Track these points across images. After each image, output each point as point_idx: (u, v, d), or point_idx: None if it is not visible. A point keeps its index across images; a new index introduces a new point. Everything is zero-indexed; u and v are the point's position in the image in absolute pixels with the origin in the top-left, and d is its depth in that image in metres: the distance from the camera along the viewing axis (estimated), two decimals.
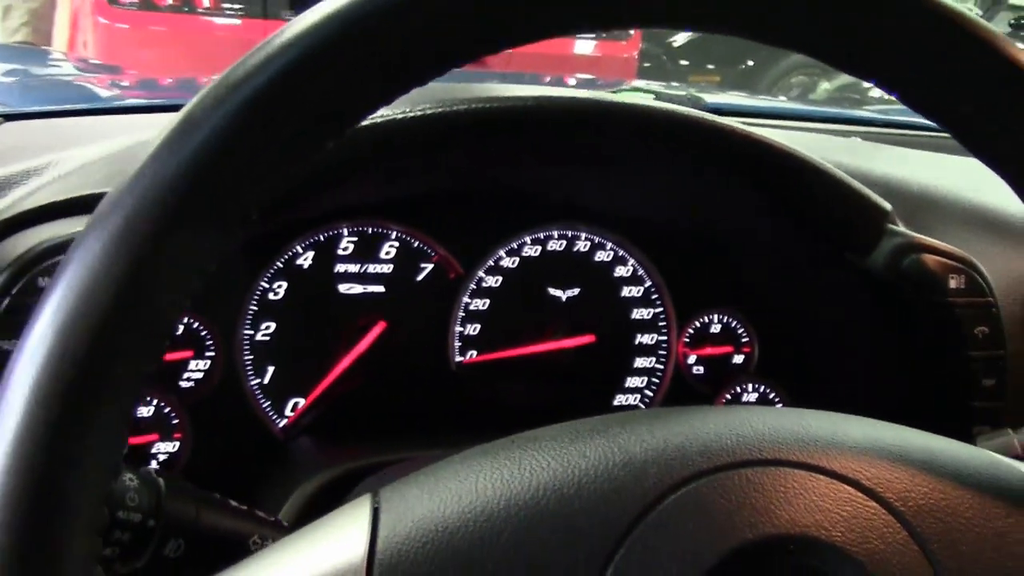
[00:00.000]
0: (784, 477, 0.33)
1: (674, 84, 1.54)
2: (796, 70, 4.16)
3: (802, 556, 0.32)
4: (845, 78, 2.67)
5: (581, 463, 0.32)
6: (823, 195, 0.59)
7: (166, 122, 0.28)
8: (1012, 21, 5.02)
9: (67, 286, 0.27)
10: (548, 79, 1.34)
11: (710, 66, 4.15)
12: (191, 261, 0.28)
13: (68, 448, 0.26)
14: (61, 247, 0.49)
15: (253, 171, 0.28)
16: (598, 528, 0.30)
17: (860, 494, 0.33)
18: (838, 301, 0.64)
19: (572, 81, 1.77)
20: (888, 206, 0.58)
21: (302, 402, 0.67)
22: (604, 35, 2.93)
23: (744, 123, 0.59)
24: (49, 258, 0.49)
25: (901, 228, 0.58)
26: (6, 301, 0.48)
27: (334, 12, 0.28)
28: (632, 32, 3.11)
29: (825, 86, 4.06)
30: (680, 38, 4.26)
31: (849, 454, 0.34)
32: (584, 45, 3.05)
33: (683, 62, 4.20)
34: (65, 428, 0.26)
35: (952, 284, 0.57)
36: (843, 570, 0.32)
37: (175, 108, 0.29)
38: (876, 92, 1.88)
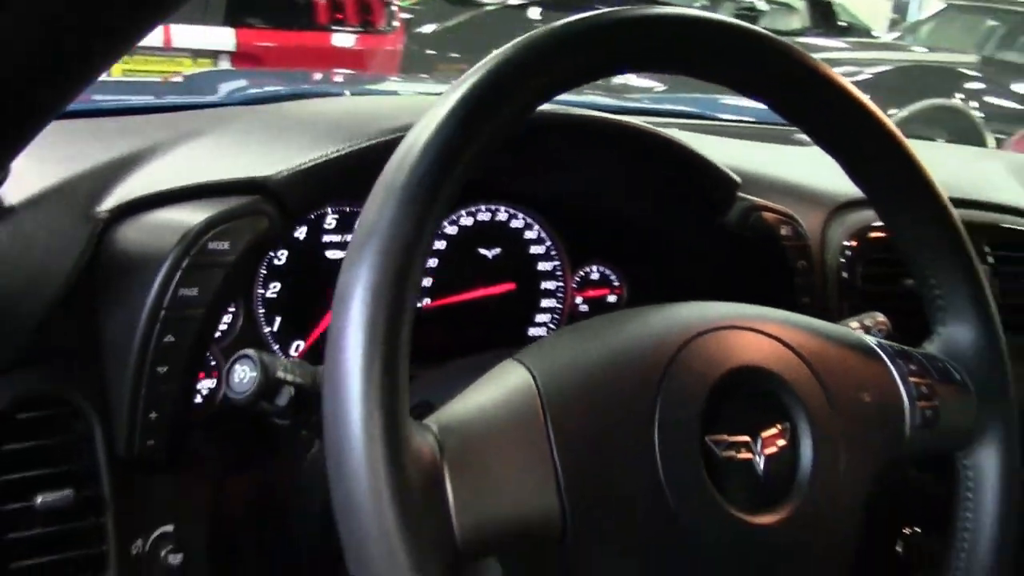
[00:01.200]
0: (741, 335, 0.58)
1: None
2: None
3: (757, 380, 0.57)
4: None
5: (634, 334, 0.56)
6: (688, 169, 0.85)
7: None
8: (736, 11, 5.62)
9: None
10: None
11: (454, 55, 4.43)
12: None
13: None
14: (225, 217, 0.65)
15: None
16: (651, 365, 0.54)
17: (780, 344, 0.59)
18: (700, 249, 0.91)
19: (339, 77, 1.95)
20: (738, 179, 0.85)
21: (303, 344, 0.84)
22: (367, 28, 3.08)
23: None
24: (217, 226, 0.65)
25: (748, 196, 0.85)
26: (186, 261, 0.63)
27: None
28: (397, 24, 3.28)
29: None
30: (428, 27, 4.49)
31: (768, 320, 0.60)
32: (346, 39, 3.16)
33: (429, 51, 4.46)
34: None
35: (782, 232, 0.86)
36: (779, 389, 0.58)
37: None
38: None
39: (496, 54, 0.50)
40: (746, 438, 0.55)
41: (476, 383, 0.52)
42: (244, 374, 0.54)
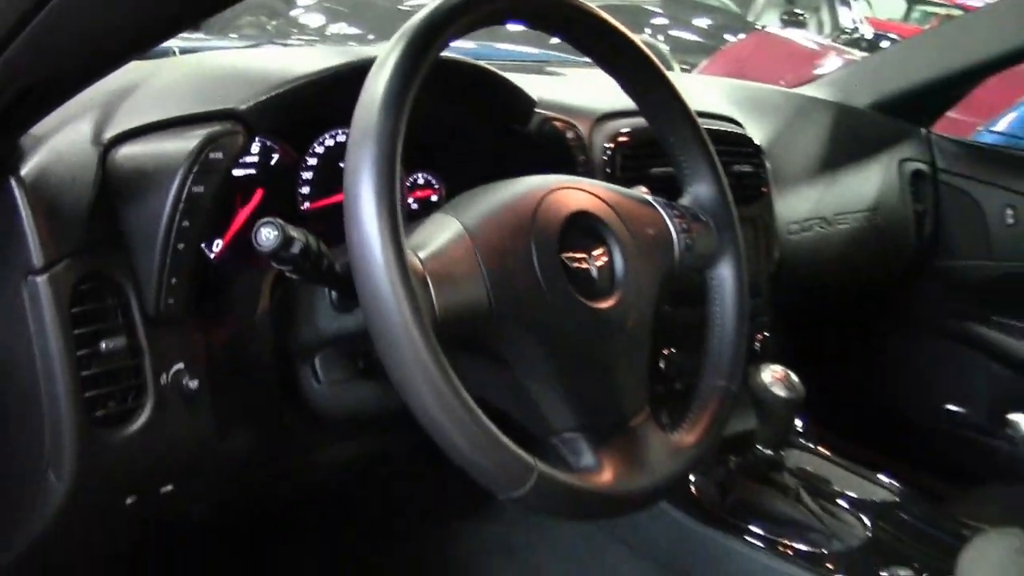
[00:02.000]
0: (576, 192, 0.93)
1: None
2: None
3: (588, 219, 0.93)
4: None
5: (516, 191, 0.90)
6: (498, 91, 1.18)
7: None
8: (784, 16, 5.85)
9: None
10: None
11: None
12: None
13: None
14: (218, 135, 0.92)
15: None
16: (527, 209, 0.88)
17: (598, 199, 0.94)
18: (508, 153, 1.25)
19: None
20: (535, 97, 1.20)
21: (222, 243, 1.09)
22: None
23: None
24: (215, 142, 0.91)
25: (542, 111, 1.21)
26: (196, 167, 0.90)
27: None
28: None
29: None
30: None
31: (590, 184, 0.96)
32: None
33: None
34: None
35: (568, 136, 1.23)
36: (600, 225, 0.93)
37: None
38: None
39: (429, 8, 0.81)
40: (584, 254, 0.91)
41: (418, 229, 0.84)
42: (269, 233, 0.79)
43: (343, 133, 1.16)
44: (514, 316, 0.84)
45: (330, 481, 1.22)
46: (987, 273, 1.94)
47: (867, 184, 1.86)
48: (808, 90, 2.00)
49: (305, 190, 1.16)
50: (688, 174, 1.05)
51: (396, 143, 0.75)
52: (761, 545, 1.18)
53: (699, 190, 1.05)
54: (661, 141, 1.05)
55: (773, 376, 1.21)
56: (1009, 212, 1.90)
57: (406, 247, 0.74)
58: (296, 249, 0.79)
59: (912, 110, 1.97)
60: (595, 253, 0.92)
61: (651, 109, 1.03)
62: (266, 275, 0.99)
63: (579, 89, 1.37)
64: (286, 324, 0.97)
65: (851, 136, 1.88)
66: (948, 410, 2.02)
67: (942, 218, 1.97)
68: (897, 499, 1.32)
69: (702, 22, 5.83)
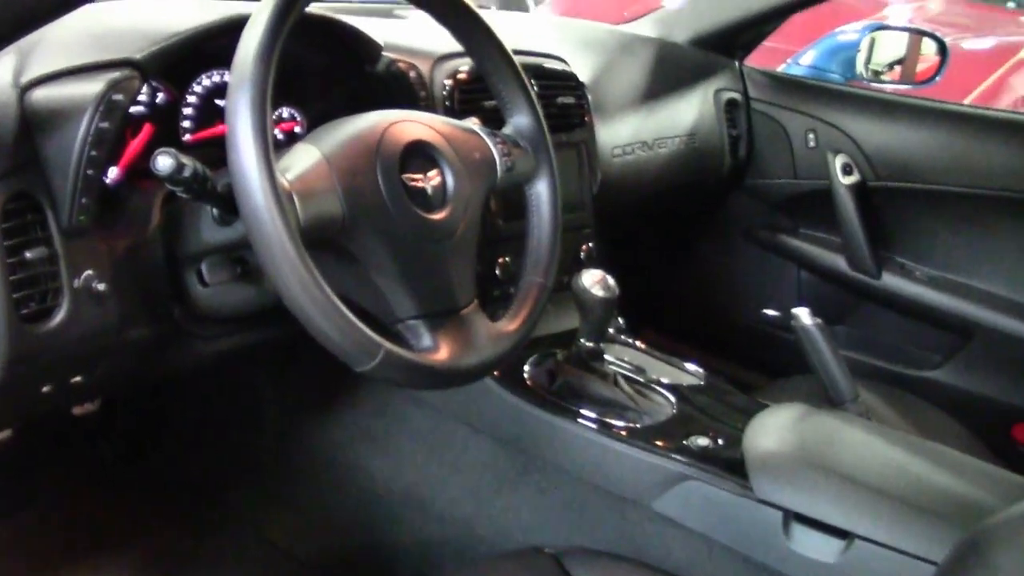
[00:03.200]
0: (414, 124, 1.09)
1: None
2: None
3: (423, 147, 1.09)
4: None
5: (366, 122, 1.06)
6: (349, 38, 1.33)
7: None
8: None
9: None
10: None
11: None
12: None
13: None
14: (120, 79, 1.04)
15: None
16: (372, 137, 1.03)
17: (432, 129, 1.11)
18: (359, 90, 1.40)
19: None
20: (382, 41, 1.35)
21: (117, 170, 1.21)
22: None
23: None
24: (117, 85, 1.03)
25: (388, 54, 1.36)
26: (102, 106, 1.02)
27: None
28: None
29: None
30: None
31: (426, 117, 1.13)
32: None
33: None
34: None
35: (411, 75, 1.38)
36: (434, 151, 1.10)
37: None
38: None
39: None
40: (421, 175, 1.07)
41: (286, 156, 0.99)
42: (165, 160, 0.92)
43: (217, 74, 1.29)
44: (364, 224, 0.99)
45: (210, 370, 1.37)
46: (793, 190, 2.17)
47: (685, 112, 2.05)
48: (632, 27, 2.17)
49: (187, 124, 1.29)
50: (509, 107, 1.22)
51: (267, 87, 0.90)
52: (586, 423, 1.37)
53: (518, 121, 1.22)
54: (484, 78, 1.21)
55: (592, 279, 1.40)
56: (811, 136, 2.11)
57: (276, 171, 0.90)
58: (187, 173, 0.93)
59: (726, 45, 2.17)
60: (430, 174, 1.08)
61: (474, 50, 1.20)
62: (156, 196, 1.13)
63: (422, 32, 1.52)
64: (175, 236, 1.12)
65: (671, 69, 2.07)
66: (762, 312, 2.26)
67: (753, 142, 2.18)
68: (702, 383, 1.53)
69: None
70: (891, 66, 2.24)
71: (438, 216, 1.07)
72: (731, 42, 2.17)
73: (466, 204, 1.11)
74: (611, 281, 1.40)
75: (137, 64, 1.08)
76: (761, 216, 2.24)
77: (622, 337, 1.60)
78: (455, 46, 1.48)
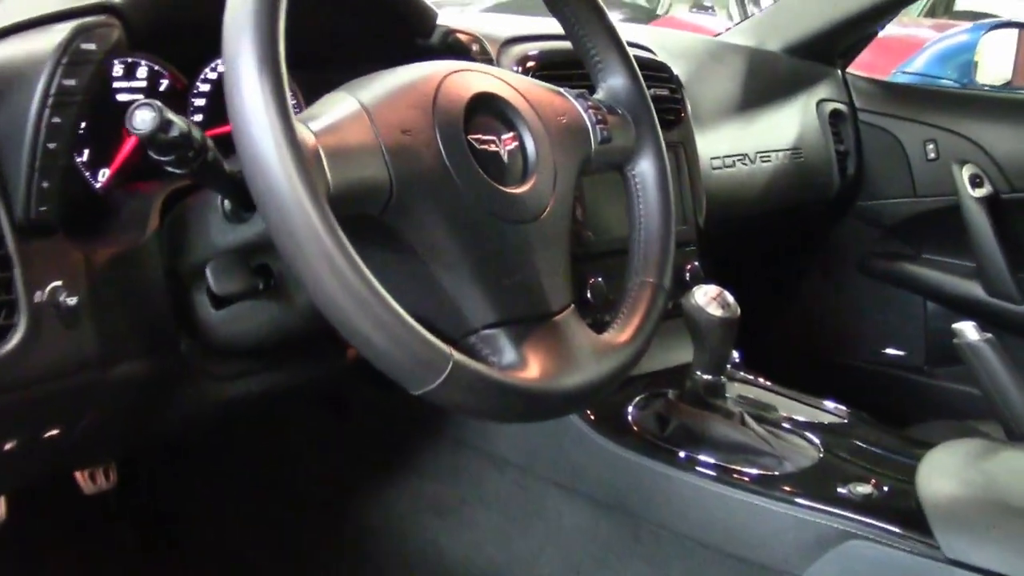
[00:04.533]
0: (480, 75, 0.85)
1: None
2: None
3: (494, 103, 0.85)
4: None
5: (416, 73, 0.82)
6: (402, 7, 1.11)
7: None
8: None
9: None
10: None
11: None
12: None
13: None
14: (90, 26, 0.81)
15: None
16: (428, 89, 0.79)
17: (504, 83, 0.87)
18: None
19: None
20: (436, 12, 1.12)
21: (108, 171, 1.01)
22: None
23: None
24: (85, 32, 0.81)
25: (445, 23, 1.13)
26: (65, 58, 0.80)
27: None
28: None
29: None
30: None
31: (494, 70, 0.88)
32: None
33: None
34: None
35: (474, 48, 1.15)
36: (508, 110, 0.86)
37: None
38: None
39: None
40: (492, 138, 0.83)
41: (310, 107, 0.75)
42: (145, 115, 0.70)
43: None
44: (419, 196, 0.75)
45: (229, 423, 1.12)
46: (912, 210, 1.92)
47: (787, 124, 1.83)
48: (722, 38, 1.99)
49: (197, 118, 1.07)
50: (600, 68, 0.98)
51: (277, 15, 0.66)
52: (709, 472, 1.10)
53: (613, 83, 0.98)
54: (569, 36, 0.98)
55: (707, 296, 1.14)
56: (930, 147, 1.87)
57: (294, 117, 0.65)
58: (175, 133, 0.70)
59: (824, 52, 1.96)
60: (504, 138, 0.84)
61: (563, 11, 0.96)
62: (156, 197, 0.91)
63: (481, 21, 1.30)
64: (177, 244, 0.89)
65: (767, 78, 1.86)
66: (882, 352, 1.99)
67: (864, 157, 1.94)
68: (845, 422, 1.25)
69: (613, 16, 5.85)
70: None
71: (518, 190, 0.83)
72: (829, 48, 1.96)
73: (554, 176, 0.86)
74: (730, 298, 1.14)
75: (115, 8, 0.86)
76: (876, 243, 1.99)
77: (742, 374, 1.32)
78: (523, 30, 1.27)
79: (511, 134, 0.84)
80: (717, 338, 1.14)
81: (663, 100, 1.37)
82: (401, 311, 0.66)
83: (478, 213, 0.78)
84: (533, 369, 0.77)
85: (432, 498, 1.40)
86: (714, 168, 1.58)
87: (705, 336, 1.14)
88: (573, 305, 0.86)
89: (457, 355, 0.68)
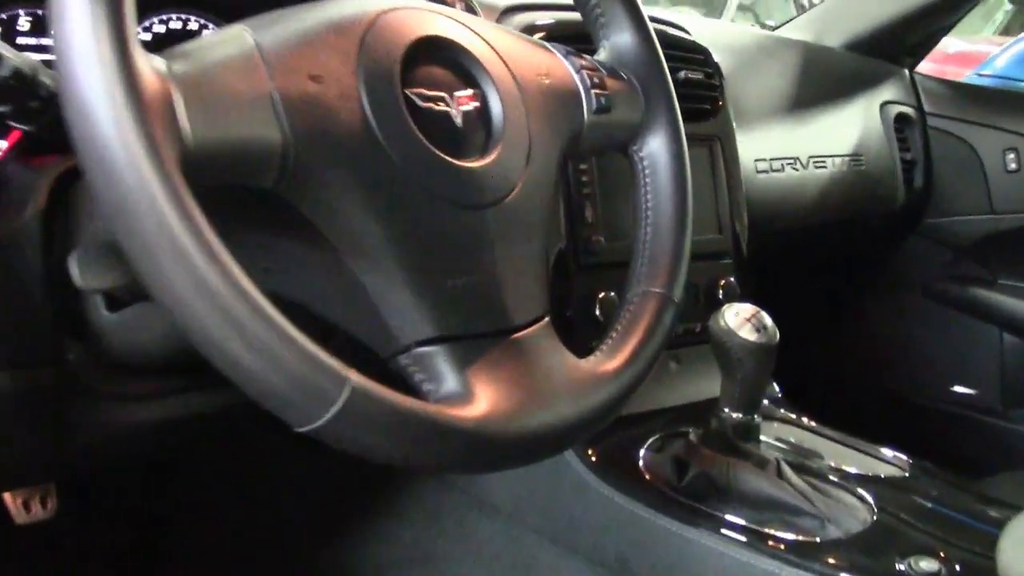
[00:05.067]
0: (427, 14, 0.65)
1: None
2: None
3: (446, 49, 0.65)
4: None
5: (336, 9, 0.61)
6: None
7: None
8: None
9: None
10: None
11: None
12: None
13: None
14: None
15: None
16: (352, 29, 0.60)
17: (463, 26, 0.67)
18: None
19: None
20: None
21: (5, 144, 0.83)
22: None
23: None
24: None
25: None
26: None
27: None
28: None
29: None
30: None
31: (449, 11, 0.67)
32: None
33: None
34: None
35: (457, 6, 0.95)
36: (466, 60, 0.66)
37: None
38: None
39: None
40: (442, 94, 0.63)
41: (193, 40, 0.56)
42: None
43: (177, 17, 0.92)
44: (329, 164, 0.56)
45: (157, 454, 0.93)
46: (989, 229, 1.70)
47: (845, 127, 1.62)
48: (777, 32, 1.79)
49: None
50: (602, 22, 0.79)
51: None
52: (735, 535, 0.89)
53: (618, 40, 0.78)
54: None
55: (739, 317, 0.93)
56: (1011, 157, 1.66)
57: (133, 38, 0.47)
58: (3, 72, 0.54)
59: (890, 49, 1.75)
60: (459, 95, 0.64)
61: None
62: (47, 174, 0.74)
63: None
64: (63, 230, 0.71)
65: (824, 76, 1.65)
66: (950, 390, 1.76)
67: (933, 168, 1.73)
68: (907, 475, 1.03)
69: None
70: None
71: (476, 163, 0.63)
72: (896, 46, 1.76)
73: (528, 149, 0.66)
74: (767, 320, 0.93)
75: None
76: (945, 265, 1.77)
77: (781, 412, 1.11)
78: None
79: (470, 91, 0.65)
80: (750, 368, 0.93)
81: (697, 85, 1.17)
82: (273, 313, 0.47)
83: (414, 190, 0.59)
84: (480, 402, 0.57)
85: (412, 546, 1.19)
86: (759, 171, 1.37)
87: (736, 365, 0.93)
88: (547, 319, 0.66)
89: (357, 380, 0.49)
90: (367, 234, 0.57)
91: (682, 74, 1.14)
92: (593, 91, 0.73)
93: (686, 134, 1.13)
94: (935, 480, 1.04)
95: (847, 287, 1.89)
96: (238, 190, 0.53)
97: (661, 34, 1.17)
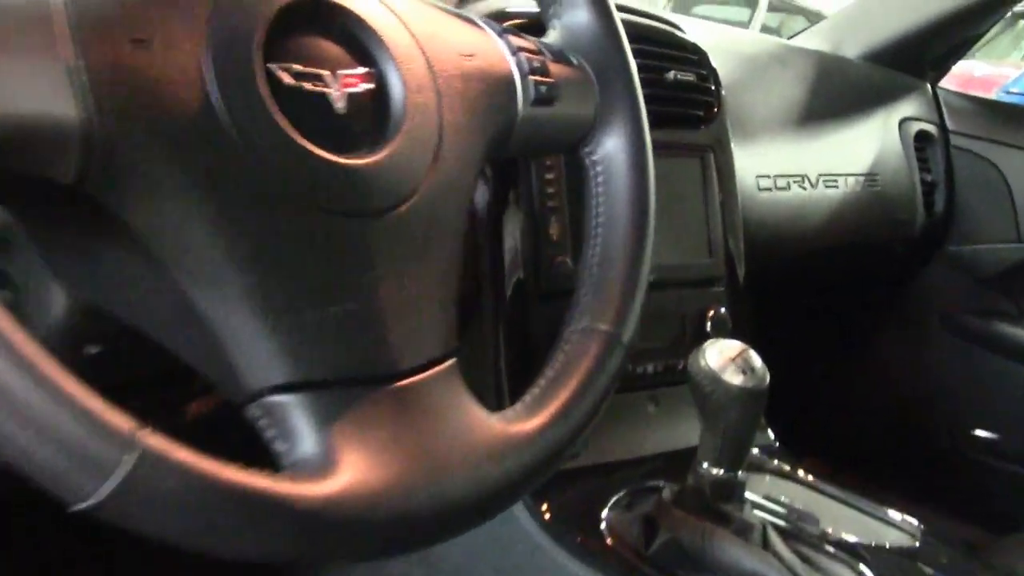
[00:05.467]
0: None
1: None
2: None
3: (331, 15, 0.52)
4: None
5: None
6: None
7: None
8: None
9: None
10: None
11: None
12: None
13: None
14: None
15: None
16: None
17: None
18: None
19: None
20: None
21: None
22: None
23: None
24: None
25: None
26: None
27: None
28: None
29: None
30: None
31: None
32: None
33: None
34: None
35: None
36: (359, 31, 0.53)
37: None
38: None
39: None
40: (320, 72, 0.50)
41: None
42: None
43: None
44: (153, 155, 0.43)
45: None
46: (1016, 258, 1.56)
47: (860, 144, 1.49)
48: (792, 41, 1.66)
49: None
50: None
51: None
52: None
53: (572, 19, 0.65)
54: None
55: (723, 356, 0.79)
56: None
57: None
58: None
59: (912, 62, 1.62)
60: (345, 74, 0.51)
61: None
62: None
63: None
64: None
65: (838, 88, 1.52)
66: (971, 434, 1.62)
67: (956, 191, 1.58)
68: (916, 543, 0.89)
69: None
70: None
71: (361, 159, 0.50)
72: (918, 58, 1.62)
73: (436, 145, 0.53)
74: (757, 361, 0.79)
75: None
76: (967, 296, 1.63)
77: (775, 463, 0.97)
78: None
79: (362, 70, 0.52)
80: (734, 417, 0.79)
81: (689, 88, 1.03)
82: (36, 350, 0.34)
83: (270, 192, 0.46)
84: (343, 472, 0.43)
85: None
86: (761, 189, 1.24)
87: (717, 413, 0.79)
88: (451, 363, 0.52)
89: (152, 442, 0.36)
90: (204, 247, 0.44)
91: (671, 74, 1.01)
92: (531, 78, 0.60)
93: (675, 144, 1.00)
94: (948, 550, 0.89)
95: (858, 320, 1.75)
96: (42, 186, 0.41)
97: (648, 30, 1.04)
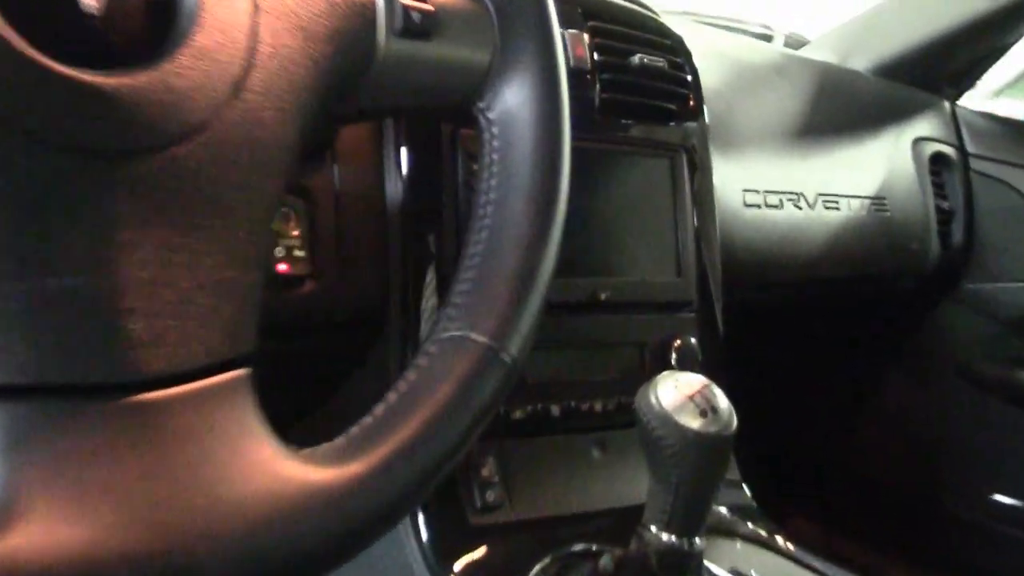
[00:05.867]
0: None
1: None
2: None
3: None
4: None
5: None
6: None
7: None
8: None
9: None
10: None
11: None
12: None
13: None
14: None
15: None
16: None
17: None
18: None
19: None
20: None
21: None
22: None
23: None
24: None
25: None
26: None
27: None
28: None
29: None
30: None
31: None
32: None
33: None
34: None
35: None
36: None
37: None
38: None
39: None
40: None
41: None
42: None
43: None
44: None
45: None
46: None
47: (867, 164, 1.36)
48: (799, 52, 1.54)
49: None
50: None
51: None
52: None
53: None
54: None
55: (678, 393, 0.62)
56: None
57: None
58: None
59: (928, 77, 1.50)
60: None
61: None
62: None
63: None
64: None
65: (844, 102, 1.40)
66: (991, 498, 1.48)
67: (976, 220, 1.46)
68: None
69: None
70: None
71: (121, 79, 0.35)
72: (935, 73, 1.51)
73: (244, 70, 0.38)
74: (722, 400, 0.63)
75: None
76: (986, 341, 1.50)
77: (749, 526, 0.81)
78: None
79: None
80: (689, 469, 0.63)
81: (658, 76, 0.87)
82: None
83: None
84: (27, 522, 0.30)
85: None
86: (748, 204, 1.09)
87: (667, 463, 0.63)
88: (241, 373, 0.36)
89: None
90: None
91: (636, 58, 0.85)
92: (398, 3, 0.44)
93: (642, 141, 0.85)
94: None
95: (862, 362, 1.63)
96: None
97: (612, 6, 0.89)
